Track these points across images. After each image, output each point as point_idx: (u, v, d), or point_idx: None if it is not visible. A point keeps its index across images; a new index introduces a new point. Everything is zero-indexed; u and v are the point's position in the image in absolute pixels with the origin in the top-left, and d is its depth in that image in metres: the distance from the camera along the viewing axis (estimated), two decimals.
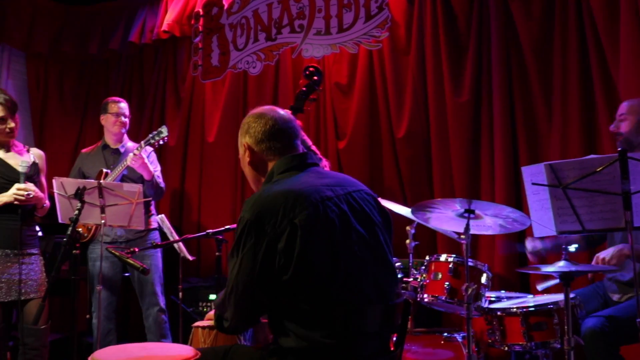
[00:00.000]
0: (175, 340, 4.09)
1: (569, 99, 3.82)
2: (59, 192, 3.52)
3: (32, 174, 3.43)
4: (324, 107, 4.66)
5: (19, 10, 5.53)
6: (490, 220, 2.96)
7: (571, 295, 2.50)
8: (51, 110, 5.80)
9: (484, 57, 4.12)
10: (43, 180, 3.58)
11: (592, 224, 2.53)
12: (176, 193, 5.27)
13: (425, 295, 3.11)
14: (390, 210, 3.25)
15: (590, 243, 3.29)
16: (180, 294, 3.95)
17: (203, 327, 2.92)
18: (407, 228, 3.44)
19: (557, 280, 3.08)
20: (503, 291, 3.51)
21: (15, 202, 3.29)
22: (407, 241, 3.43)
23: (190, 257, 3.95)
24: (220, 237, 3.41)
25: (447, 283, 3.03)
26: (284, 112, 2.07)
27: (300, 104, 3.45)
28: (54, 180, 3.53)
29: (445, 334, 3.29)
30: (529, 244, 3.23)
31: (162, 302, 4.12)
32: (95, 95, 5.70)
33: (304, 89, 3.49)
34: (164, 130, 4.01)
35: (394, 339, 2.02)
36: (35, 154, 3.56)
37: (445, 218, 3.01)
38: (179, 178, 5.28)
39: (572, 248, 2.71)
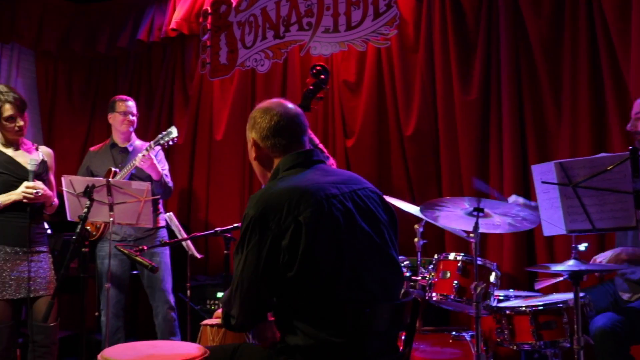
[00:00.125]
0: (183, 338, 4.10)
1: (579, 97, 3.79)
2: (68, 190, 3.53)
3: (41, 172, 3.43)
4: (332, 105, 4.65)
5: (28, 9, 5.55)
6: (499, 219, 2.95)
7: (581, 295, 2.49)
8: (60, 109, 5.84)
9: (493, 55, 4.09)
10: (52, 178, 3.58)
11: (603, 222, 2.51)
12: (184, 191, 5.27)
13: (434, 294, 3.10)
14: (399, 209, 3.26)
15: None
16: (188, 292, 3.97)
17: (212, 325, 2.93)
18: (416, 226, 3.43)
19: (554, 280, 3.07)
20: (512, 290, 3.51)
21: (24, 200, 3.29)
22: (416, 239, 3.42)
23: (198, 255, 3.96)
24: (228, 235, 3.41)
25: (455, 282, 3.03)
26: (292, 106, 2.06)
27: (307, 102, 3.44)
28: (62, 178, 3.54)
29: (454, 332, 3.28)
30: None
31: (171, 299, 4.12)
32: (104, 93, 5.71)
33: (311, 87, 3.47)
34: (174, 131, 4.00)
35: (403, 337, 2.01)
36: (44, 152, 3.57)
37: (454, 216, 3.01)
38: (187, 176, 5.29)
39: (582, 247, 2.69)
